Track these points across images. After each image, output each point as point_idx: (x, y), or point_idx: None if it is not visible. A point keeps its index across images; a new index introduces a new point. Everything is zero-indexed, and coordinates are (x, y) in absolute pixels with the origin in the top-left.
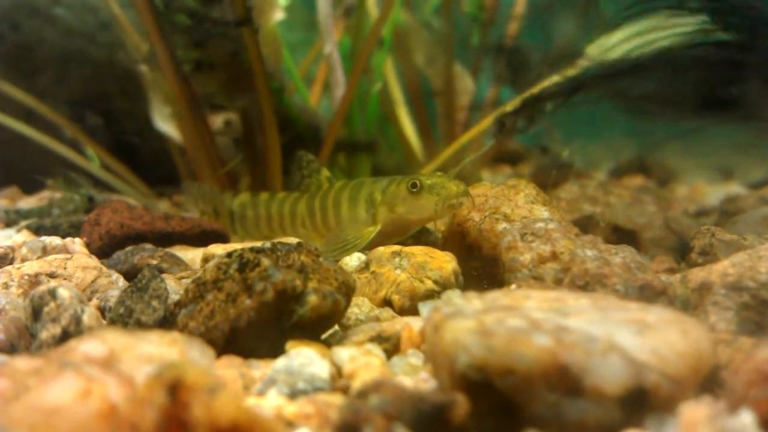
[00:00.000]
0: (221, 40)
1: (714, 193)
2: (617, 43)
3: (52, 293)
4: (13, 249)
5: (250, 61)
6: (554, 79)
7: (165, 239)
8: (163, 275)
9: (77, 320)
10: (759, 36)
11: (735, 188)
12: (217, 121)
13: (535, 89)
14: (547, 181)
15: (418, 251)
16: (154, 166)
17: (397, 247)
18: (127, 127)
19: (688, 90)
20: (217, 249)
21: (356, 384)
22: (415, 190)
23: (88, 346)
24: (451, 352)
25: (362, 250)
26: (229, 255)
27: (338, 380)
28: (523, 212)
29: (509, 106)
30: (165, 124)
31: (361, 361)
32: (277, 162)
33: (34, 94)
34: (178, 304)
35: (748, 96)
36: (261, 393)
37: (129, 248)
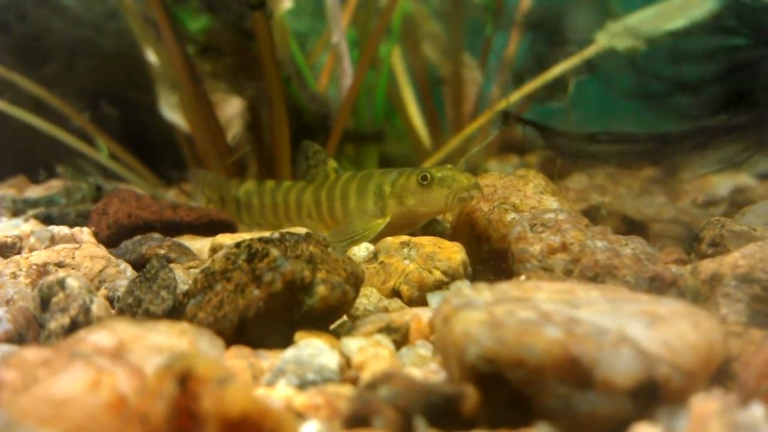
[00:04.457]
0: (229, 25)
1: (723, 184)
2: (627, 29)
3: (61, 283)
4: (21, 238)
5: (260, 49)
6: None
7: (173, 229)
8: (172, 265)
9: (86, 310)
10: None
11: (744, 179)
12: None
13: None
14: (554, 171)
15: (427, 241)
16: (167, 154)
17: (405, 238)
18: (135, 116)
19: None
20: (225, 239)
21: (365, 375)
22: (425, 182)
23: (98, 337)
24: (461, 343)
25: (371, 241)
26: (237, 245)
27: (347, 371)
28: (532, 203)
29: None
30: (172, 112)
31: (370, 352)
32: (286, 151)
33: (41, 84)
34: (187, 294)
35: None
36: (270, 383)
37: (137, 238)
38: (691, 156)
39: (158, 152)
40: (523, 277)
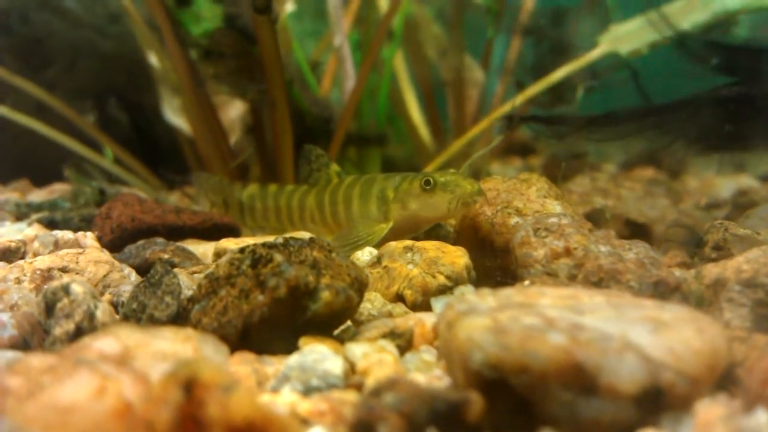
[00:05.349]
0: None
1: (726, 186)
2: (629, 33)
3: (65, 289)
4: (24, 243)
5: (263, 52)
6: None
7: (176, 233)
8: (175, 270)
9: (91, 316)
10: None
11: (746, 180)
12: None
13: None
14: (557, 174)
15: (430, 246)
16: (170, 157)
17: (409, 242)
18: (136, 119)
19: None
20: (229, 243)
21: (370, 381)
22: (428, 187)
23: (103, 343)
24: (465, 349)
25: (374, 245)
26: (241, 250)
27: (352, 377)
28: (535, 206)
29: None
30: (174, 115)
31: (374, 357)
32: (289, 155)
33: (43, 87)
34: (191, 300)
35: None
36: (275, 390)
37: (140, 242)
38: (687, 127)
39: (161, 155)
40: (526, 282)
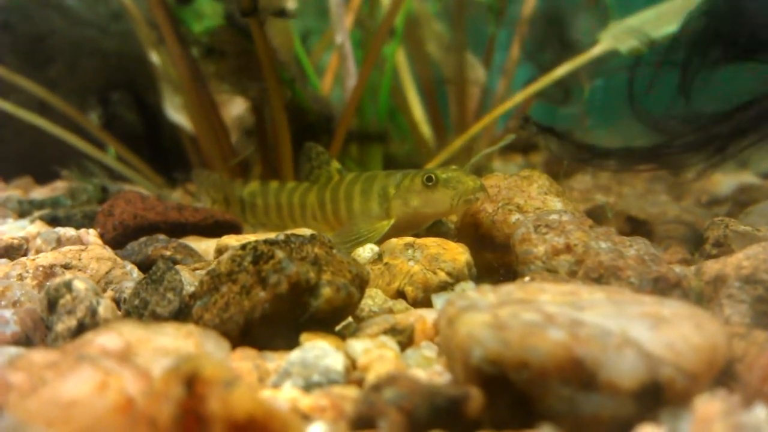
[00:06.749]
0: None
1: (727, 183)
2: (629, 30)
3: (68, 285)
4: (27, 240)
5: (258, 53)
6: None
7: (178, 230)
8: (177, 266)
9: (93, 312)
10: None
11: (748, 178)
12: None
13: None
14: (559, 171)
15: (431, 243)
16: (172, 155)
17: (410, 239)
18: (138, 116)
19: None
20: (231, 240)
21: (371, 377)
22: (430, 184)
23: (105, 339)
24: (465, 345)
25: (375, 242)
26: (243, 247)
27: (352, 373)
28: (536, 203)
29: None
30: (176, 113)
31: (375, 353)
32: (287, 152)
33: (45, 85)
34: (193, 296)
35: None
36: (276, 385)
37: (143, 239)
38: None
39: (163, 153)
40: (527, 279)
